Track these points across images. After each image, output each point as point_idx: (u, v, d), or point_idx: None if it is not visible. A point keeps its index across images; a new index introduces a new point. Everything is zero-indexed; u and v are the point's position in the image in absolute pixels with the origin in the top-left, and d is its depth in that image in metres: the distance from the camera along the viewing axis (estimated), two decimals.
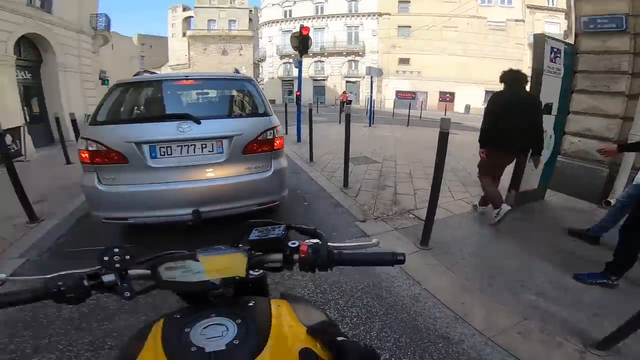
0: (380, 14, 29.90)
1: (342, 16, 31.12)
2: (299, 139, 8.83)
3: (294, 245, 0.71)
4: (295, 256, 0.70)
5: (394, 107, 19.72)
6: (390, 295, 2.32)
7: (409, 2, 29.43)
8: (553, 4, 26.64)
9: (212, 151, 2.80)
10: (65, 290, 0.63)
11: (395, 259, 0.71)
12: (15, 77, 8.16)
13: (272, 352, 0.53)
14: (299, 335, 0.59)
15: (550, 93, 3.79)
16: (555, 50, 3.75)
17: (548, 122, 3.84)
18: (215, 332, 0.56)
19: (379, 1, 29.83)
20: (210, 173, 2.81)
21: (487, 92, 28.43)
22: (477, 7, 27.81)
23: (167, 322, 0.62)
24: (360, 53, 30.96)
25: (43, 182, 5.09)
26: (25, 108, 8.65)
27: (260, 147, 2.92)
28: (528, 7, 27.07)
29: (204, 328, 0.57)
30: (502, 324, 2.04)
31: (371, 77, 14.45)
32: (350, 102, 22.99)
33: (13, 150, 6.37)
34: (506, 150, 3.35)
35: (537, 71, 3.65)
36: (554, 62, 3.78)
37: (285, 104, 12.62)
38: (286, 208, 3.79)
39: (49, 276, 0.67)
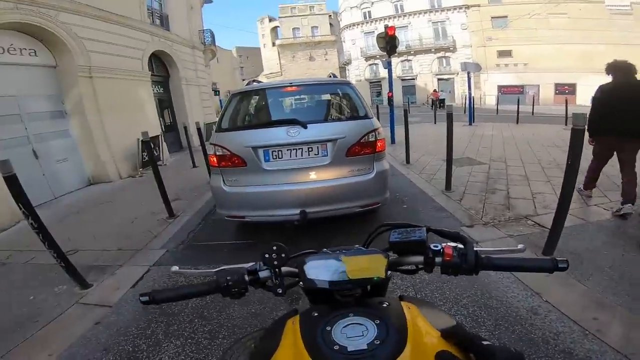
0: (467, 6, 27.59)
1: (425, 12, 29.62)
2: (393, 141, 8.64)
3: (436, 248, 0.70)
4: (438, 259, 0.69)
5: (497, 104, 17.73)
6: (502, 305, 2.13)
7: None
8: None
9: (318, 154, 2.93)
10: (231, 284, 0.70)
11: (556, 266, 0.66)
12: (152, 91, 9.22)
13: (412, 354, 0.52)
14: (434, 338, 0.58)
15: None
16: None
17: None
18: (356, 332, 0.56)
19: None
20: (315, 175, 2.94)
21: None
22: None
23: (304, 319, 0.64)
24: (451, 48, 29.00)
25: (176, 183, 6.04)
26: (160, 118, 9.86)
27: (362, 149, 2.95)
28: None
29: (345, 327, 0.58)
30: None
31: (468, 73, 13.29)
32: (442, 100, 21.60)
33: (155, 155, 7.70)
34: (615, 135, 3.36)
35: None
36: None
37: (377, 106, 12.48)
38: (385, 212, 3.74)
39: (213, 270, 0.74)
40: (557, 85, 25.60)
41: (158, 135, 8.38)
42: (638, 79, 3.32)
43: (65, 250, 2.73)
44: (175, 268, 0.85)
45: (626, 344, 1.77)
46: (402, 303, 0.66)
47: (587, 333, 1.85)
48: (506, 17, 26.11)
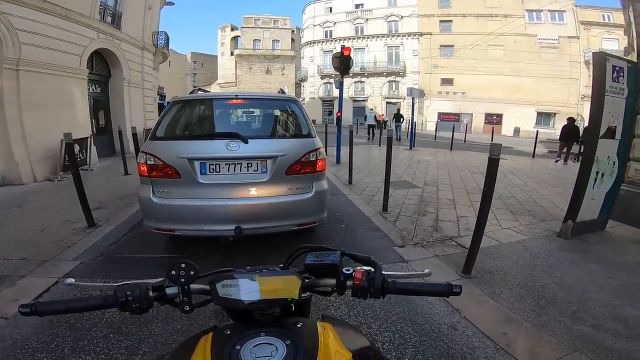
0: (421, 34, 29.69)
1: (383, 36, 31.28)
2: (338, 161, 8.83)
3: (348, 272, 0.72)
4: (349, 282, 0.72)
5: (436, 130, 19.01)
6: (427, 322, 2.25)
7: (452, 21, 29.04)
8: (610, 20, 25.08)
9: (257, 170, 2.88)
10: (132, 300, 0.67)
11: (451, 290, 0.72)
12: (87, 90, 8.61)
13: None
14: (344, 359, 0.59)
15: (613, 115, 3.61)
16: (617, 69, 3.52)
17: (611, 147, 3.74)
18: (265, 352, 0.57)
19: (420, 21, 29.75)
20: (253, 192, 2.88)
21: (538, 113, 26.66)
22: (525, 24, 26.80)
23: (216, 337, 0.63)
24: (401, 73, 30.76)
25: (103, 191, 5.56)
26: (92, 120, 9.09)
27: (302, 168, 2.96)
28: (582, 23, 25.71)
29: (254, 347, 0.58)
30: (548, 355, 1.95)
31: (412, 99, 14.20)
32: (385, 122, 22.89)
33: (79, 159, 6.98)
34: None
35: (598, 92, 3.48)
36: (617, 82, 3.55)
37: (326, 125, 12.75)
38: (324, 230, 3.79)
39: (116, 284, 0.71)
40: (487, 115, 28.28)
41: (87, 138, 7.66)
42: (575, 123, 10.96)
43: None
44: (70, 280, 0.79)
45: (531, 358, 1.94)
46: (318, 323, 0.67)
47: (499, 348, 2.00)
48: (453, 46, 28.32)
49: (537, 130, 14.69)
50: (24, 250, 3.24)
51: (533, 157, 11.73)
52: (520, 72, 26.54)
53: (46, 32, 6.82)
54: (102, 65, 9.90)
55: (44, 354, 1.90)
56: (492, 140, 11.84)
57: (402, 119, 17.49)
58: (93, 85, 9.39)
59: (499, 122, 27.65)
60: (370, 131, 18.00)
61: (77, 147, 6.72)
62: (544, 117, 26.85)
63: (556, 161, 10.62)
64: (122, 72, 10.29)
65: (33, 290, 2.58)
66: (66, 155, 6.51)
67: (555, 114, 26.34)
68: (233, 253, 3.16)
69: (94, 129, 9.14)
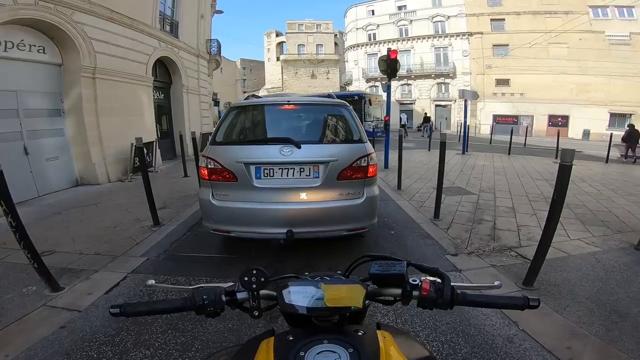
0: (471, 34, 28.11)
1: (429, 37, 30.10)
2: (386, 166, 8.65)
3: (414, 283, 0.72)
4: (415, 293, 0.72)
5: (491, 133, 17.81)
6: (479, 333, 2.13)
7: (504, 19, 27.12)
8: None
9: (309, 175, 2.92)
10: (207, 304, 0.70)
11: (527, 304, 0.69)
12: (152, 97, 9.18)
13: None
14: None
15: None
16: None
17: None
18: (329, 359, 0.57)
19: (469, 20, 28.16)
20: (305, 196, 2.92)
21: (612, 114, 23.90)
22: (590, 21, 24.14)
23: (278, 342, 0.64)
24: (451, 75, 29.36)
25: (165, 191, 6.03)
26: (157, 125, 9.72)
27: (354, 173, 2.95)
28: None
29: (318, 354, 0.58)
30: None
31: (465, 101, 13.57)
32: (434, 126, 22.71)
33: (147, 161, 7.66)
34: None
35: None
36: None
37: (373, 129, 12.57)
38: (372, 236, 3.75)
39: (191, 287, 0.75)
40: (550, 116, 25.87)
41: (153, 142, 8.34)
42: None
43: (41, 250, 2.68)
44: (151, 281, 0.85)
45: None
46: (378, 332, 0.67)
47: None
48: (507, 45, 26.42)
49: (611, 133, 13.05)
50: (98, 246, 3.59)
51: (606, 162, 10.55)
52: (588, 71, 23.89)
53: (116, 42, 7.44)
54: (164, 73, 10.57)
55: (109, 347, 2.01)
56: (557, 144, 11.05)
57: (430, 121, 23.02)
58: (157, 92, 10.02)
59: (565, 124, 25.03)
60: (403, 130, 22.22)
61: (144, 151, 7.36)
62: (617, 119, 23.93)
63: (634, 162, 11.07)
64: (182, 79, 10.90)
65: (105, 284, 2.79)
66: (136, 158, 7.17)
67: (631, 114, 23.36)
68: (283, 256, 3.25)
69: (158, 134, 9.81)
